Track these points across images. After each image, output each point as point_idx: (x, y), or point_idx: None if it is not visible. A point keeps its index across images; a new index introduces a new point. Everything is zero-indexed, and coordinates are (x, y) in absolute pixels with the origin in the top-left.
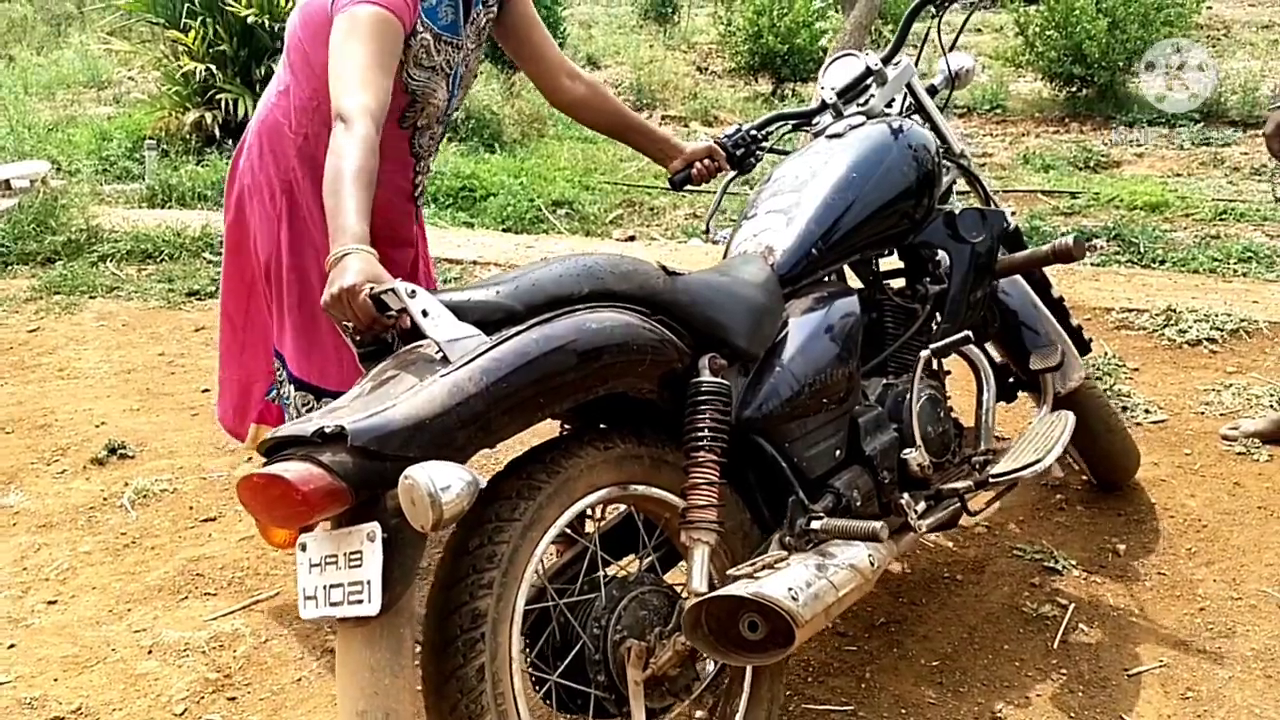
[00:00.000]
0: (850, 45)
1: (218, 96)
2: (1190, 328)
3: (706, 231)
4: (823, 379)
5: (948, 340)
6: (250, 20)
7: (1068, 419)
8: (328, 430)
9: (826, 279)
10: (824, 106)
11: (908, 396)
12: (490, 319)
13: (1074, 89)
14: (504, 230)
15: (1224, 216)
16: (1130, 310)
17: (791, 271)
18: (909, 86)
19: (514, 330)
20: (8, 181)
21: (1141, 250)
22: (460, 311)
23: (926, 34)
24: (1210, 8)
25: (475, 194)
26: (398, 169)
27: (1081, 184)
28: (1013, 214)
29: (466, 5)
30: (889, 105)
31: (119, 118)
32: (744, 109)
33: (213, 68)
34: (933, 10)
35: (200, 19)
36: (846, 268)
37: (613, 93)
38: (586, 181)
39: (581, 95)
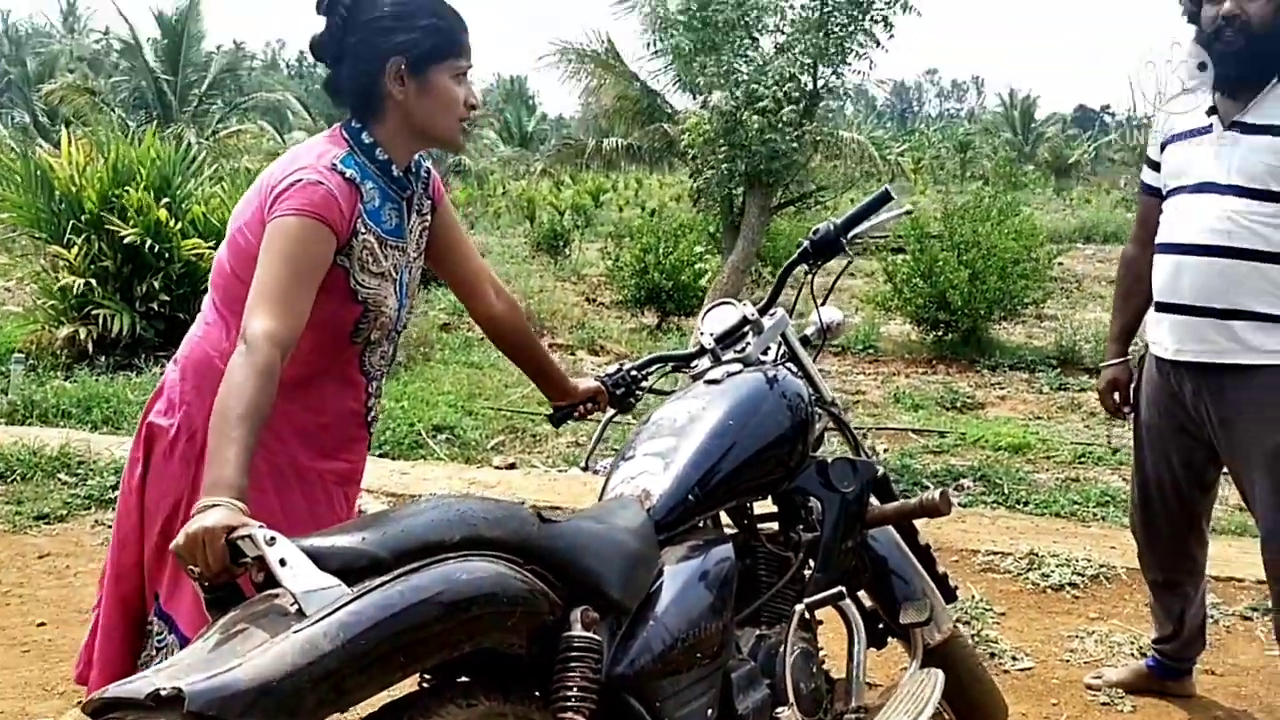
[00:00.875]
0: (729, 286)
1: (95, 312)
2: (1053, 572)
3: (586, 466)
4: (696, 633)
5: (822, 594)
6: (130, 241)
7: (937, 677)
8: (163, 693)
9: (702, 525)
10: (702, 351)
11: (781, 651)
12: (354, 567)
13: (940, 333)
14: (381, 455)
15: (1083, 460)
16: (995, 553)
17: (668, 518)
18: (783, 336)
19: (378, 581)
20: None
21: (1005, 491)
22: (321, 559)
23: (801, 287)
24: (1061, 263)
25: None
26: (349, 391)
27: (949, 424)
28: (881, 463)
29: (405, 212)
30: (764, 353)
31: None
32: (629, 340)
33: (93, 282)
34: (806, 268)
35: (84, 235)
36: (722, 513)
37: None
38: (470, 406)
39: (502, 311)
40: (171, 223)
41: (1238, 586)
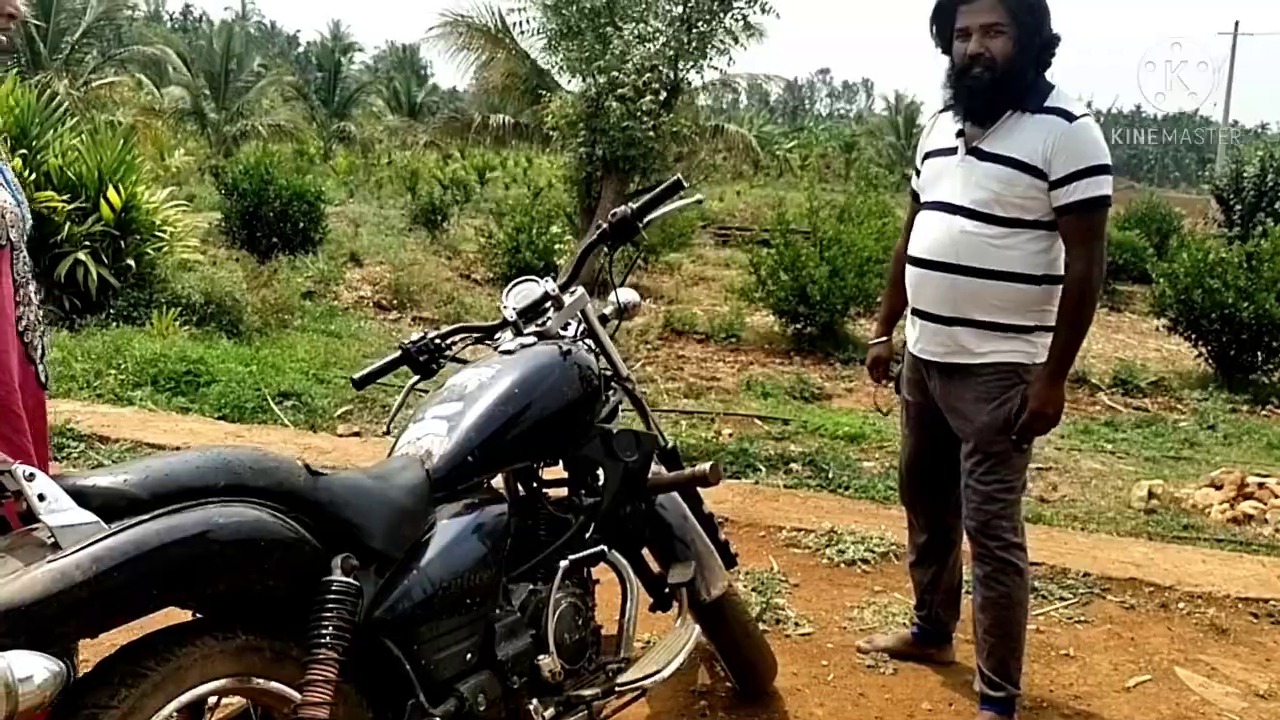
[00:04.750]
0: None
1: None
2: (848, 549)
3: (388, 431)
4: (460, 583)
5: (586, 552)
6: None
7: (693, 630)
8: None
9: (483, 486)
10: (504, 324)
11: (547, 603)
12: (113, 505)
13: (800, 326)
14: (220, 418)
15: None
16: (799, 530)
17: (446, 477)
18: (583, 313)
19: (136, 520)
20: None
21: (830, 476)
22: (83, 497)
23: (608, 266)
24: None
25: (200, 379)
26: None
27: (793, 413)
28: (667, 437)
29: None
30: (565, 328)
31: None
32: (497, 315)
33: None
34: (604, 249)
35: None
36: (509, 475)
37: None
38: (322, 375)
39: None
40: (26, 173)
41: None
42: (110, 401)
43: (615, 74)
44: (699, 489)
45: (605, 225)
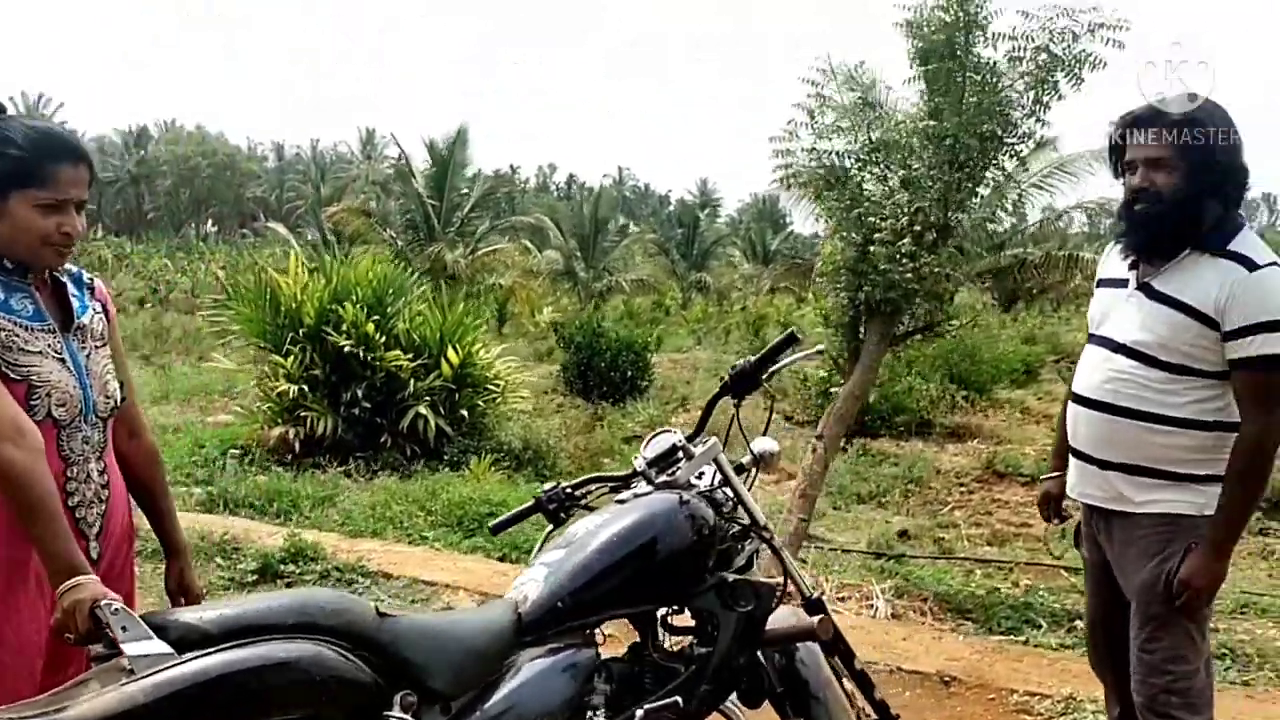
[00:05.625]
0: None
1: (303, 414)
2: (1088, 718)
3: None
4: None
5: (660, 703)
6: (345, 349)
7: None
8: None
9: (584, 631)
10: (635, 474)
11: None
12: (188, 639)
13: None
14: (500, 558)
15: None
16: (1033, 694)
17: (537, 620)
18: (716, 462)
19: (203, 652)
20: None
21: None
22: (162, 630)
23: (736, 418)
24: None
25: None
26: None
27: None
28: (811, 587)
29: (63, 301)
30: (699, 477)
31: (233, 426)
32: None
33: (304, 388)
34: (733, 402)
35: (301, 345)
36: (629, 620)
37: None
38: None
39: (129, 451)
40: (378, 336)
41: None
42: (412, 542)
43: (874, 219)
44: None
45: (727, 378)
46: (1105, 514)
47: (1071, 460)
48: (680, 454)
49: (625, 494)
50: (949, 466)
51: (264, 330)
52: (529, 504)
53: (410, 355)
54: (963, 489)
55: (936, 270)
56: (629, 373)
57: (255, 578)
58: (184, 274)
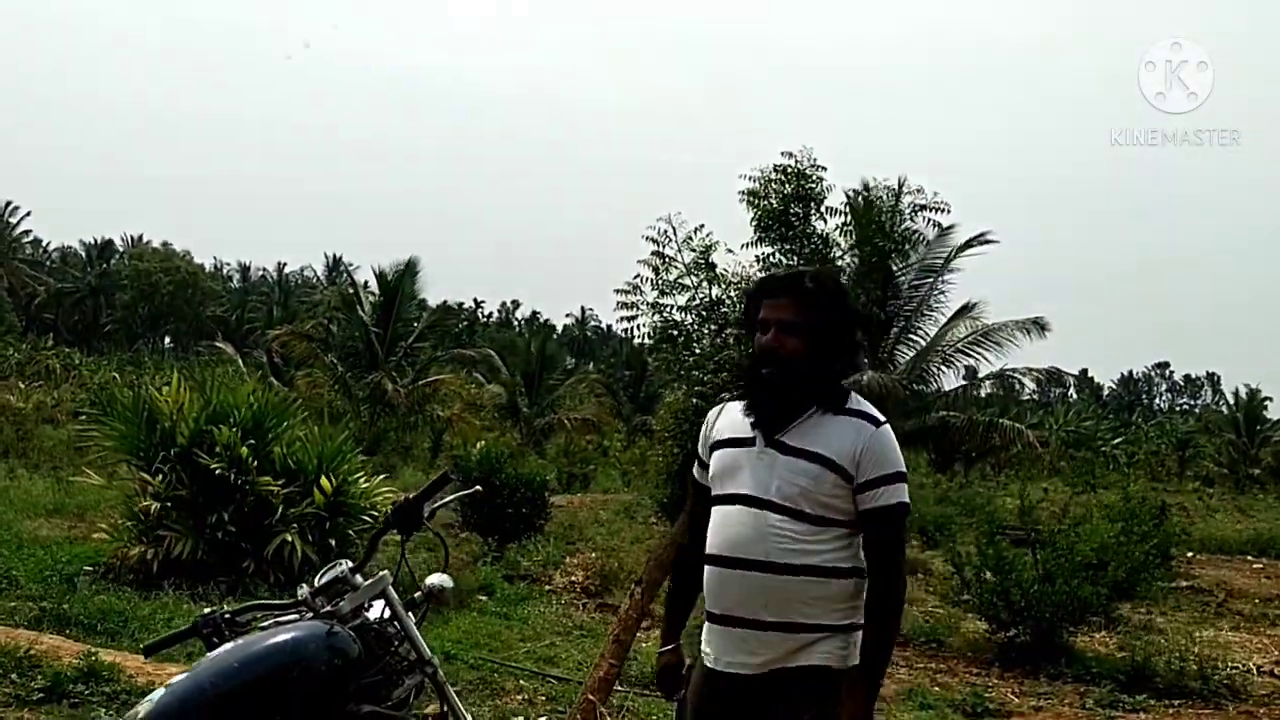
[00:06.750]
0: None
1: (162, 535)
2: None
3: None
4: None
5: None
6: (216, 471)
7: None
8: None
9: None
10: (298, 602)
11: None
12: None
13: (1010, 633)
14: None
15: None
16: None
17: None
18: (384, 594)
19: None
20: None
21: None
22: None
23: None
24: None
25: None
26: None
27: None
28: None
29: None
30: (366, 609)
31: (99, 544)
32: None
33: (168, 505)
34: (399, 535)
35: (171, 465)
36: None
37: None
38: (455, 652)
39: None
40: (251, 460)
41: None
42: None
43: (697, 373)
44: None
45: (389, 514)
46: (752, 682)
47: (712, 628)
48: (346, 586)
49: (269, 622)
50: None
51: (136, 446)
52: (186, 627)
53: (283, 481)
54: None
55: None
56: (524, 510)
57: (41, 695)
58: (130, 388)
